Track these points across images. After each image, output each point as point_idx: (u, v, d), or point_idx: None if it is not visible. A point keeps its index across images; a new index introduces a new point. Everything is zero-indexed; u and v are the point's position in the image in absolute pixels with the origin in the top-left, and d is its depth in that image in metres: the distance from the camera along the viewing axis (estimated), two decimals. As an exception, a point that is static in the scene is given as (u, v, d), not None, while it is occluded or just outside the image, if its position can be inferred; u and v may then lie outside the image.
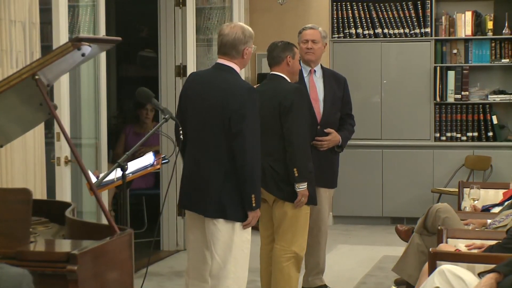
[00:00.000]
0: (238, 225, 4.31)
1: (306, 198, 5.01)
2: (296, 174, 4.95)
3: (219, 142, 4.29)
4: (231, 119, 4.23)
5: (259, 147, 4.31)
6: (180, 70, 7.19)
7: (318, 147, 5.50)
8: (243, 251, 4.36)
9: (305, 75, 5.58)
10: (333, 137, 5.57)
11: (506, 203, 5.54)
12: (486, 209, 5.73)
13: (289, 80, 5.15)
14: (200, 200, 4.35)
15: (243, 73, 7.87)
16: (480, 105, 8.48)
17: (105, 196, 5.77)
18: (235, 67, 4.38)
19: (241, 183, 4.25)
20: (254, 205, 4.27)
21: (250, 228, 4.41)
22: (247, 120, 4.23)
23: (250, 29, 4.45)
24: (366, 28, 8.63)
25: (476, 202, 5.64)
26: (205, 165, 4.33)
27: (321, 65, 5.70)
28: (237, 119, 4.23)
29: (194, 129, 4.40)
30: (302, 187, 4.98)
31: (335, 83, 5.67)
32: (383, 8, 8.59)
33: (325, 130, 5.53)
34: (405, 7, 8.55)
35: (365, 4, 8.64)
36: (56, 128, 5.05)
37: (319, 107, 5.55)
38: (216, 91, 4.33)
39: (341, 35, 8.66)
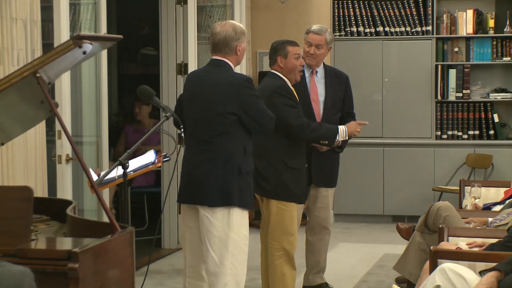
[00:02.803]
0: (234, 221, 4.30)
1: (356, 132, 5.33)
2: (324, 142, 5.24)
3: (219, 134, 4.30)
4: (231, 111, 4.26)
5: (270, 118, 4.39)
6: (181, 68, 7.18)
7: (318, 149, 5.49)
8: (241, 248, 4.34)
9: (306, 75, 5.54)
10: (333, 138, 5.55)
11: (507, 202, 5.54)
12: (487, 208, 5.73)
13: (285, 79, 5.12)
14: (198, 191, 4.33)
15: (244, 72, 7.87)
16: (481, 104, 8.48)
17: (106, 194, 5.76)
18: (229, 62, 4.41)
19: None
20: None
21: (247, 224, 4.41)
22: (247, 108, 4.28)
23: (241, 26, 4.48)
24: (367, 26, 8.62)
25: (477, 200, 5.64)
26: (204, 157, 4.32)
27: (323, 63, 5.66)
28: (238, 109, 4.27)
29: (192, 125, 4.40)
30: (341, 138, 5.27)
31: (337, 82, 5.62)
32: (384, 6, 8.58)
33: None
34: (406, 5, 8.55)
35: (366, 2, 8.63)
36: (57, 126, 5.04)
37: (319, 109, 5.51)
38: (212, 84, 4.34)
39: (342, 33, 8.65)
